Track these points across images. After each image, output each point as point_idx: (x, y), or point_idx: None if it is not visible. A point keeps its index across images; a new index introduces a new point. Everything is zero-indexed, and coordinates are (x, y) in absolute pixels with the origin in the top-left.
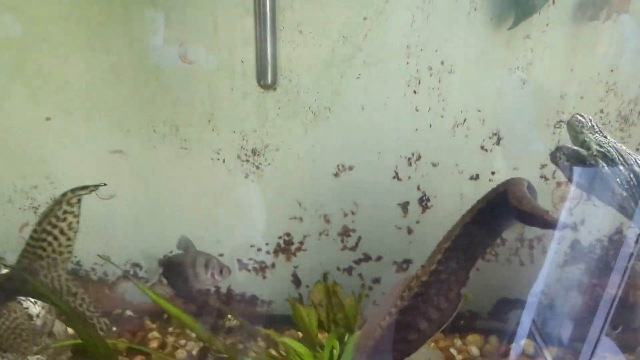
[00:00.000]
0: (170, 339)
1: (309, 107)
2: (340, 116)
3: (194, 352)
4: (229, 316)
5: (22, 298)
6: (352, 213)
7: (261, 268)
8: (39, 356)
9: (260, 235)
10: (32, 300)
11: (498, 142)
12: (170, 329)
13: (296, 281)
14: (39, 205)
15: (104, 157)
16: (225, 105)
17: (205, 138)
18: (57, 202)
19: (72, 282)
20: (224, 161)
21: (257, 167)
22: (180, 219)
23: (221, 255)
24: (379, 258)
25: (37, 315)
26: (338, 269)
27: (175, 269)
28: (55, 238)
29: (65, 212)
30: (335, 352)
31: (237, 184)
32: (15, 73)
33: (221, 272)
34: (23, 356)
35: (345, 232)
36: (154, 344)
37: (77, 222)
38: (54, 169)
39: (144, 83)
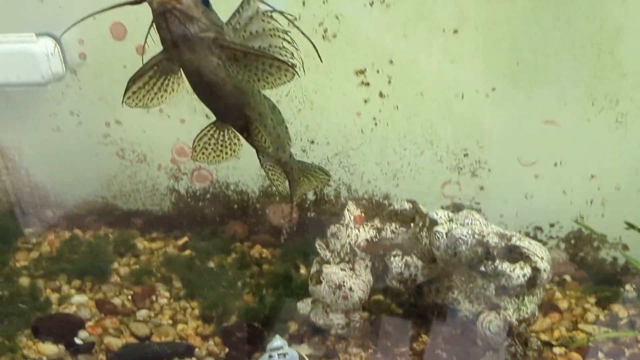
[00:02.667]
0: None
1: None
2: None
3: None
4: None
5: None
6: None
7: None
8: None
9: None
10: None
11: None
12: None
13: None
14: (464, 166)
15: (535, 126)
16: None
17: None
18: None
19: None
20: None
21: None
22: (589, 191)
23: None
24: None
25: None
26: None
27: None
28: None
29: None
30: None
31: None
32: (472, 45)
33: None
34: None
35: None
36: None
37: None
38: (487, 134)
39: (596, 56)
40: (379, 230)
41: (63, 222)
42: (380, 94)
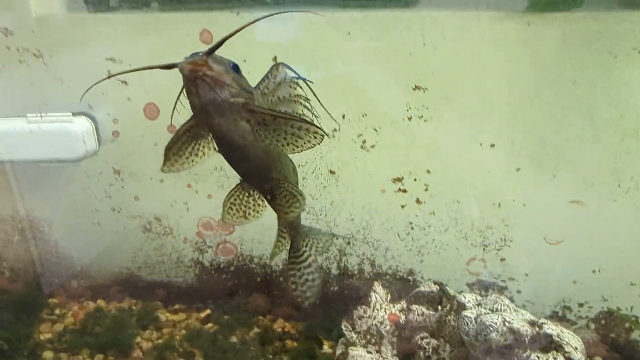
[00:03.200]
0: None
1: None
2: None
3: None
4: None
5: None
6: None
7: None
8: None
9: None
10: None
11: None
12: None
13: None
14: (489, 244)
15: (561, 206)
16: None
17: None
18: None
19: None
20: None
21: None
22: (614, 268)
23: None
24: None
25: None
26: None
27: None
28: None
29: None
30: None
31: None
32: (498, 128)
33: None
34: None
35: None
36: None
37: None
38: (511, 213)
39: (620, 140)
40: (406, 313)
41: (88, 292)
42: (418, 200)
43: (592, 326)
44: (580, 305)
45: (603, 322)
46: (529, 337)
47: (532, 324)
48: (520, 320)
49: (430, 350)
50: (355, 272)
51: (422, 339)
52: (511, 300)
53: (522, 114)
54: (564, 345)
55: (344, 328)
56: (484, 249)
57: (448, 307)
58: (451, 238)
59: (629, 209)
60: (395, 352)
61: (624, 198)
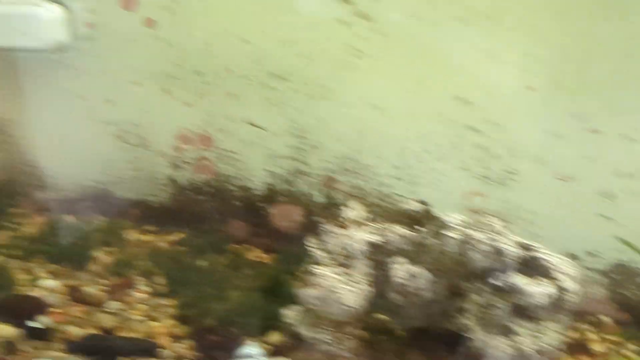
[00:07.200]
0: None
1: None
2: None
3: None
4: None
5: None
6: None
7: None
8: None
9: None
10: None
11: None
12: None
13: None
14: (491, 176)
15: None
16: None
17: None
18: None
19: None
20: None
21: None
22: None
23: None
24: None
25: None
26: None
27: None
28: None
29: None
30: None
31: None
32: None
33: None
34: None
35: None
36: None
37: None
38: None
39: None
40: (382, 232)
41: (55, 205)
42: None
43: (602, 281)
44: (590, 254)
45: (614, 276)
46: (515, 259)
47: (524, 247)
48: (509, 241)
49: (407, 277)
50: (344, 202)
51: (398, 263)
52: None
53: None
54: (555, 273)
55: (309, 246)
56: (485, 182)
57: (431, 228)
58: (448, 167)
59: None
60: (366, 277)
61: None
